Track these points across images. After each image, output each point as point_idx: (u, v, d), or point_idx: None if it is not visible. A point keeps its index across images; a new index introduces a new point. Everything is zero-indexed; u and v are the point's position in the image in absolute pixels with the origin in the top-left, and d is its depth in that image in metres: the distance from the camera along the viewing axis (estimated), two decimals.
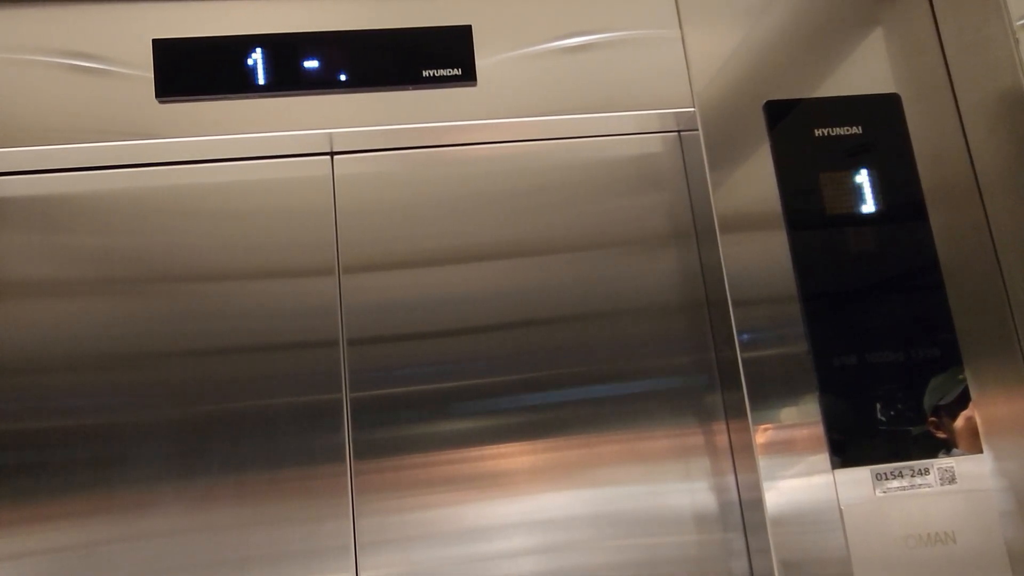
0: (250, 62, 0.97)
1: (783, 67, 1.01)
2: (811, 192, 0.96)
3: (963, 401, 0.91)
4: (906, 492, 0.88)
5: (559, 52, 1.01)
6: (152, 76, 0.96)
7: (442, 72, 0.99)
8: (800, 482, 0.88)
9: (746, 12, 1.02)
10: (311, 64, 0.98)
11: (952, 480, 0.88)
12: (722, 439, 0.98)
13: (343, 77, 0.98)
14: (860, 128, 0.98)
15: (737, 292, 0.93)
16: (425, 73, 0.99)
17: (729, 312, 0.93)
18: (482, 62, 1.00)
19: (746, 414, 0.90)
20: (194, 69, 0.96)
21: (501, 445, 0.95)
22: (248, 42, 0.98)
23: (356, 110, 0.98)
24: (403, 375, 0.96)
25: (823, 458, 0.89)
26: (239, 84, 0.96)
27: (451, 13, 1.01)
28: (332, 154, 1.02)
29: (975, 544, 0.87)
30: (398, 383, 0.96)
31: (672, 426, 0.98)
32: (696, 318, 1.01)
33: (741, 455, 0.96)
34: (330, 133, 0.98)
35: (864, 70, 1.01)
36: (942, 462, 0.89)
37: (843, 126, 0.98)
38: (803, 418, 0.90)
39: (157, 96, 0.95)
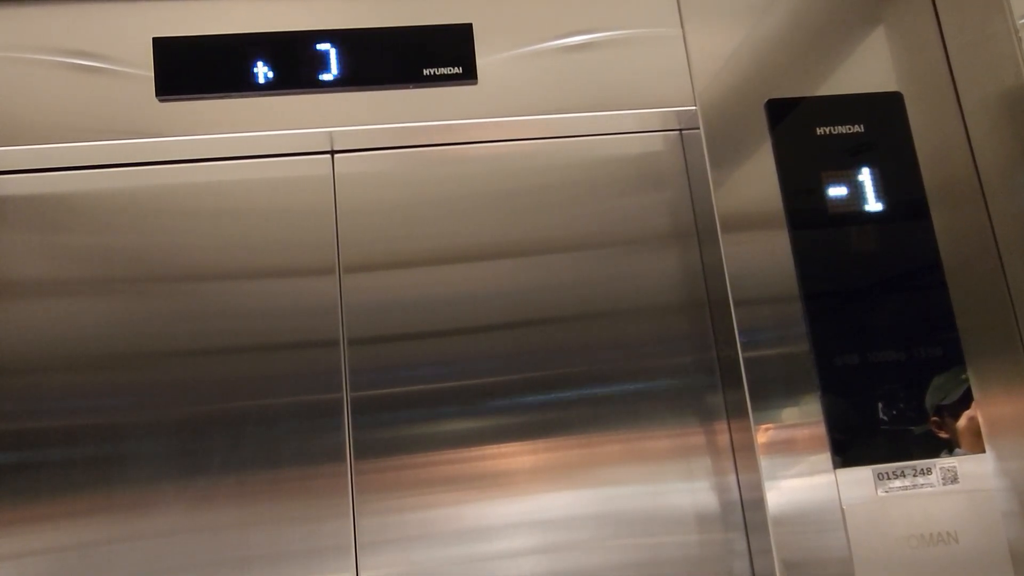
0: (250, 61, 0.97)
1: (785, 66, 1.00)
2: (813, 191, 0.95)
3: (965, 401, 0.90)
4: (908, 492, 0.87)
5: (560, 51, 1.01)
6: (152, 75, 0.96)
7: (443, 71, 0.99)
8: (802, 482, 0.88)
9: (748, 10, 1.02)
10: (311, 63, 0.98)
11: (955, 480, 0.88)
12: (723, 439, 0.98)
13: (343, 76, 0.98)
14: (862, 127, 0.98)
15: (738, 291, 0.93)
16: (426, 72, 0.98)
17: (730, 311, 0.93)
18: (483, 61, 1.00)
19: (748, 414, 0.90)
20: (194, 68, 0.96)
21: (502, 445, 0.95)
22: (248, 41, 0.97)
23: (357, 109, 0.97)
24: (404, 375, 0.96)
25: (825, 458, 0.89)
26: (239, 83, 0.96)
27: (452, 11, 1.01)
28: (332, 153, 1.02)
29: (977, 544, 0.86)
30: (399, 383, 0.96)
31: (673, 426, 0.97)
32: (697, 317, 1.01)
33: (742, 455, 0.95)
34: (330, 132, 0.97)
35: (866, 68, 1.01)
36: (944, 462, 0.89)
37: (845, 125, 0.98)
38: (805, 418, 0.90)
39: (157, 95, 0.95)
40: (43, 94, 0.94)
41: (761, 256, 0.94)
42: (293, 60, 0.97)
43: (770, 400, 0.90)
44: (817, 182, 0.96)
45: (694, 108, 1.00)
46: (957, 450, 0.89)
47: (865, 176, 0.96)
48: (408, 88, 0.98)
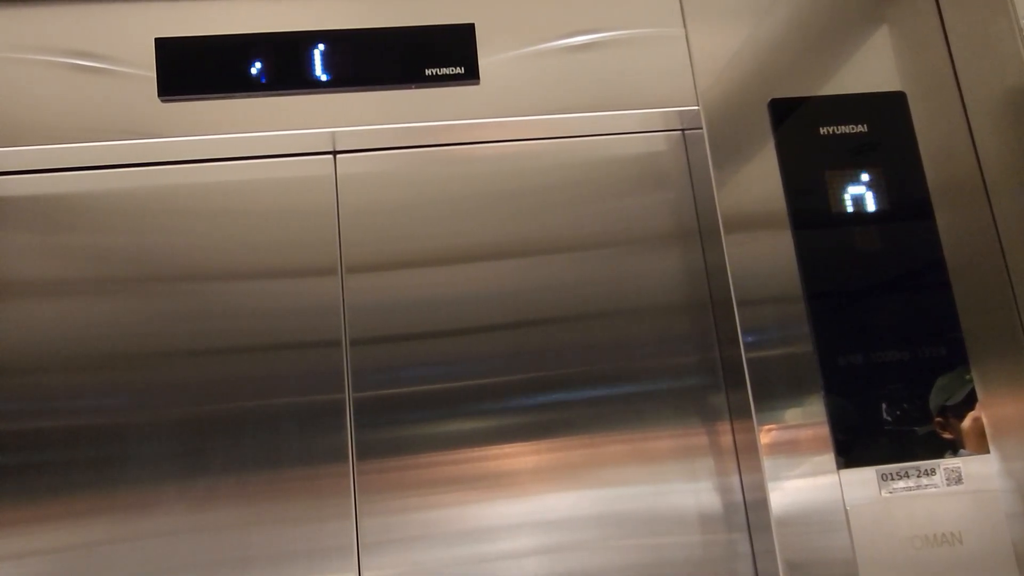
0: (252, 61, 0.97)
1: (788, 65, 1.00)
2: (816, 191, 0.95)
3: (970, 401, 0.90)
4: (912, 493, 0.87)
5: (562, 51, 1.01)
6: (154, 75, 0.96)
7: (445, 71, 0.98)
8: (805, 482, 0.88)
9: (750, 10, 1.02)
10: (313, 63, 0.97)
11: (959, 480, 0.88)
12: (726, 439, 0.97)
13: (346, 76, 0.98)
14: (866, 126, 0.98)
15: (741, 291, 0.93)
16: (428, 72, 0.98)
17: (733, 312, 0.93)
18: (485, 60, 1.00)
19: (751, 414, 0.90)
20: (196, 68, 0.96)
21: (504, 445, 0.95)
22: (250, 41, 0.97)
23: (359, 109, 0.97)
24: (406, 375, 0.96)
25: (828, 458, 0.88)
26: (241, 83, 0.96)
27: (454, 11, 1.01)
28: (335, 153, 1.02)
29: (982, 545, 0.86)
30: (401, 383, 0.96)
31: (676, 426, 0.97)
32: (700, 318, 1.01)
33: (746, 455, 0.95)
34: (333, 132, 0.97)
35: (869, 68, 1.01)
36: (948, 462, 0.88)
37: (848, 124, 0.98)
38: (808, 418, 0.89)
39: (159, 95, 0.95)
40: (45, 95, 0.94)
41: (764, 256, 0.94)
42: (295, 60, 0.97)
43: (773, 400, 0.90)
44: (820, 182, 0.96)
45: (697, 108, 1.00)
46: (961, 451, 0.89)
47: (869, 176, 0.96)
48: (410, 88, 0.98)
